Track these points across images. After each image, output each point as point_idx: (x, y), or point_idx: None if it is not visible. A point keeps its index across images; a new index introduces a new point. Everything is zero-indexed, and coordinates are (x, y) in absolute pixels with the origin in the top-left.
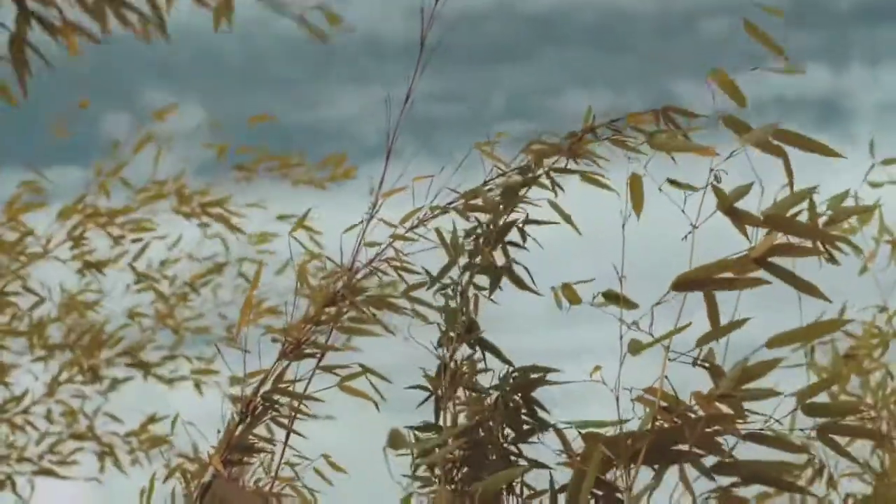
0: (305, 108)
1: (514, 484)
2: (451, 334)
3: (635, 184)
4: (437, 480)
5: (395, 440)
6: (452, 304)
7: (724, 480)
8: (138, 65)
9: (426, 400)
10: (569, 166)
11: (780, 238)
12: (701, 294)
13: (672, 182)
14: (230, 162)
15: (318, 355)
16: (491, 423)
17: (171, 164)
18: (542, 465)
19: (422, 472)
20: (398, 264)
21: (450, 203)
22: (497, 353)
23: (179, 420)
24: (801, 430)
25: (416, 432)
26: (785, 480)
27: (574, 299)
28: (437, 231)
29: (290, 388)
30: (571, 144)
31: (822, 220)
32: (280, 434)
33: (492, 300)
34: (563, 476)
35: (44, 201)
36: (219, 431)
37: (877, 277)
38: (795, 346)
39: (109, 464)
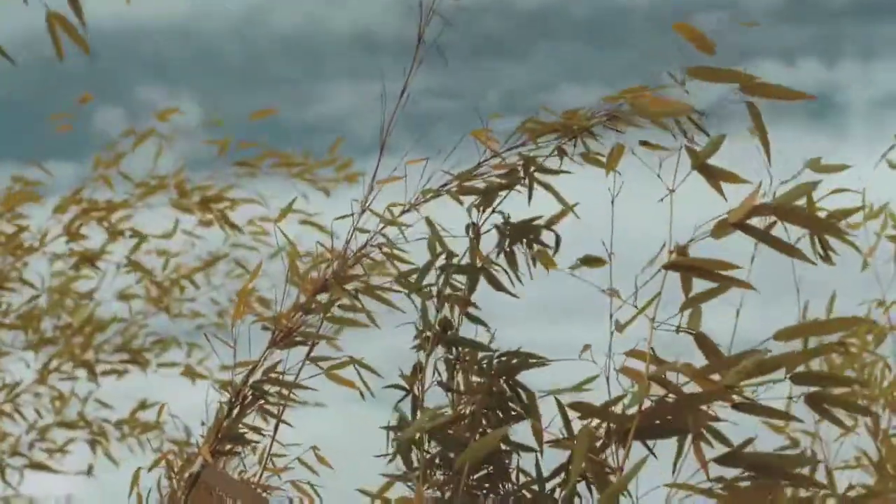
0: (300, 105)
1: (509, 471)
2: (427, 334)
3: (616, 154)
4: (416, 478)
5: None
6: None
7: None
8: (131, 61)
9: (402, 399)
10: (565, 146)
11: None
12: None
13: (644, 143)
14: (230, 158)
15: (309, 345)
16: (474, 411)
17: (168, 159)
18: (530, 449)
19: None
20: (389, 251)
21: (443, 186)
22: (479, 347)
23: (166, 410)
24: (790, 398)
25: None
26: (792, 472)
27: (549, 264)
28: (428, 220)
29: (280, 378)
30: (568, 122)
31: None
32: (269, 424)
33: (473, 302)
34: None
35: (40, 194)
36: (203, 423)
37: (877, 272)
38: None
39: (101, 454)
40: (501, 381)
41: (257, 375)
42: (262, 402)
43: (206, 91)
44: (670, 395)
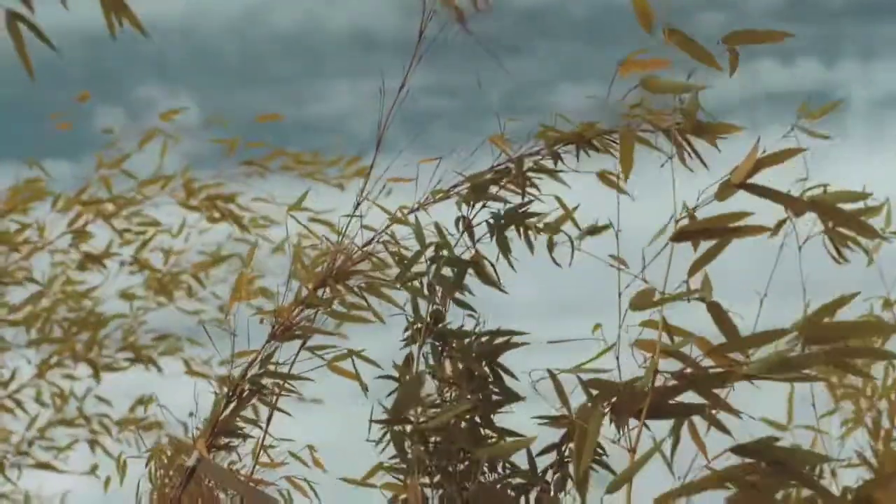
0: (300, 104)
1: (495, 462)
2: (418, 326)
3: (625, 138)
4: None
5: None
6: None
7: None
8: (129, 60)
9: (394, 391)
10: (579, 158)
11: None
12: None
13: (643, 115)
14: (237, 157)
15: (307, 338)
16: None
17: (172, 158)
18: (516, 434)
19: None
20: (395, 249)
21: (453, 187)
22: (466, 335)
23: (159, 405)
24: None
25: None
26: (804, 474)
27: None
28: (436, 225)
29: (276, 369)
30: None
31: None
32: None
33: (465, 286)
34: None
35: (44, 192)
36: (191, 414)
37: (880, 269)
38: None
39: (101, 453)
40: (483, 364)
41: (256, 369)
42: (260, 395)
43: (205, 90)
44: (687, 368)
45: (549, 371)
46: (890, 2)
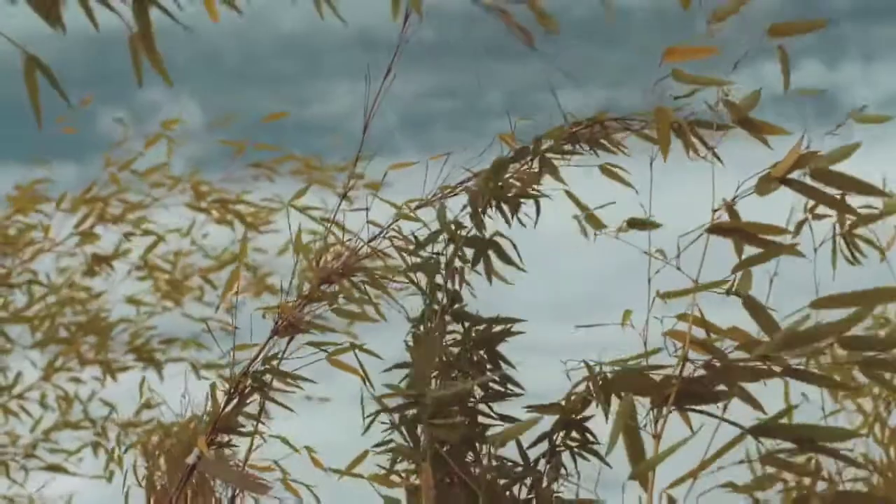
0: (300, 104)
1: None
2: (434, 307)
3: (661, 118)
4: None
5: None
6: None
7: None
8: (131, 62)
9: (406, 377)
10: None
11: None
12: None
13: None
14: (244, 159)
15: (309, 333)
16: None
17: (177, 161)
18: (514, 420)
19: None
20: (402, 244)
21: (461, 182)
22: (480, 320)
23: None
24: (845, 364)
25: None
26: (833, 449)
27: (598, 224)
28: (440, 210)
29: (279, 367)
30: (591, 129)
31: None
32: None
33: (476, 271)
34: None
35: (50, 194)
36: (184, 395)
37: (891, 266)
38: None
39: (103, 454)
40: (482, 352)
41: (258, 365)
42: (262, 392)
43: (207, 91)
44: (714, 360)
45: (585, 362)
46: (891, 3)
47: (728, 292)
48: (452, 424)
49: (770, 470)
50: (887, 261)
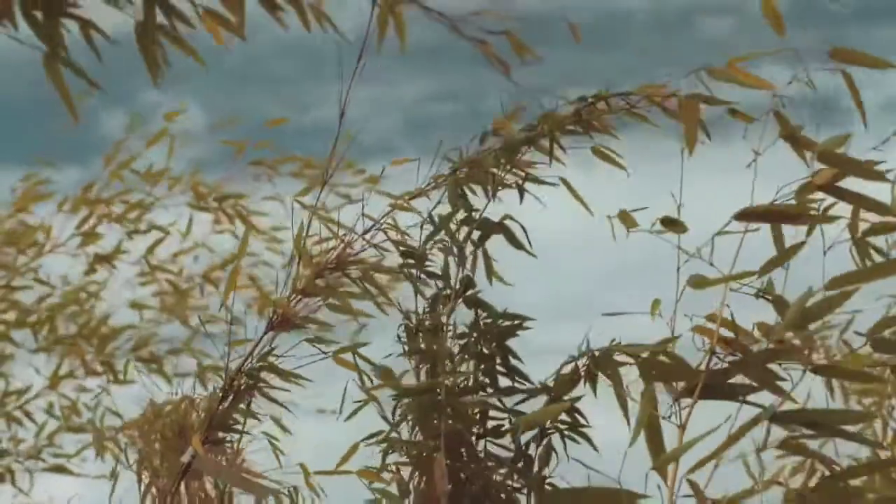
0: (300, 108)
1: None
2: (447, 292)
3: (689, 111)
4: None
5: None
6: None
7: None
8: (132, 64)
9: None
10: (579, 141)
11: None
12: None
13: (732, 112)
14: (245, 158)
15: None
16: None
17: (178, 163)
18: (519, 413)
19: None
20: (397, 236)
21: (453, 172)
22: (491, 312)
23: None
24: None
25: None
26: (850, 431)
27: (630, 223)
28: (450, 180)
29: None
30: (582, 111)
31: None
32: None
33: (485, 251)
34: None
35: (52, 192)
36: (177, 374)
37: None
38: None
39: (114, 463)
40: (493, 345)
41: (253, 361)
42: (258, 390)
43: (209, 93)
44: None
45: (611, 348)
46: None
47: (757, 295)
48: (480, 412)
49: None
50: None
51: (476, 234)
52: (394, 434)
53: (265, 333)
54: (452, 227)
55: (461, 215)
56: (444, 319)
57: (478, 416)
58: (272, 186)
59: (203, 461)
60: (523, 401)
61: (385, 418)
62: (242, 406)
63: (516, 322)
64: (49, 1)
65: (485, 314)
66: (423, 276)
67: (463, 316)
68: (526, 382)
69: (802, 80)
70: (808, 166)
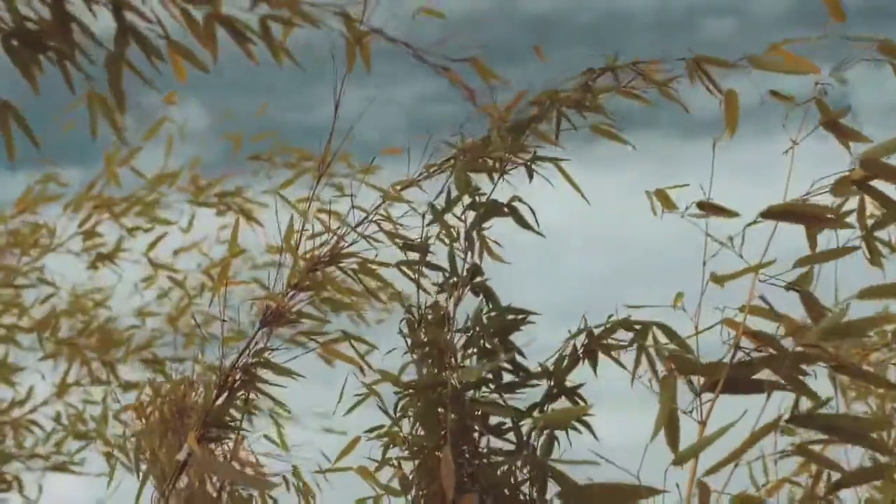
0: (303, 109)
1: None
2: (454, 279)
3: (731, 100)
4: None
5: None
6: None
7: None
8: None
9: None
10: (576, 123)
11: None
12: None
13: (774, 93)
14: (244, 151)
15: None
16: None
17: (179, 157)
18: (524, 413)
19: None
20: (391, 228)
21: (446, 160)
22: (496, 303)
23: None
24: None
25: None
26: (869, 437)
27: (669, 206)
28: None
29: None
30: (580, 93)
31: None
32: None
33: (495, 242)
34: None
35: (61, 194)
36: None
37: None
38: None
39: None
40: (496, 340)
41: (247, 357)
42: (254, 386)
43: (210, 95)
44: (765, 348)
45: (637, 342)
46: None
47: (788, 287)
48: (494, 403)
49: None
50: None
51: (480, 219)
52: (395, 428)
53: (259, 329)
54: (458, 211)
55: (467, 200)
56: (450, 310)
57: (480, 412)
58: (271, 181)
59: (199, 459)
60: (521, 385)
61: (386, 412)
62: (238, 402)
63: (521, 317)
64: (27, 38)
65: (488, 309)
66: (424, 268)
67: (464, 308)
68: (530, 378)
69: (844, 71)
70: (851, 155)
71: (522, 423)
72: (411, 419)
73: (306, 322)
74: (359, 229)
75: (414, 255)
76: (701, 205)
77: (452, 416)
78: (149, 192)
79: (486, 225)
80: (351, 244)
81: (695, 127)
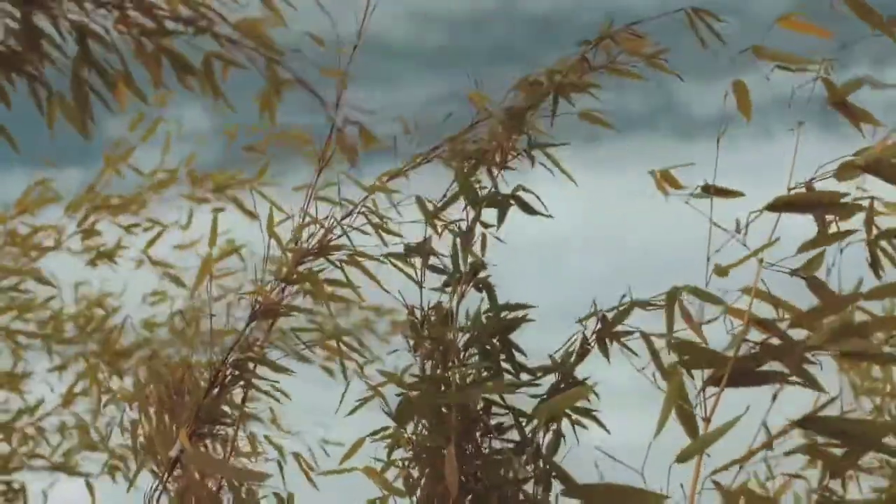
0: (304, 109)
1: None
2: (457, 275)
3: (740, 89)
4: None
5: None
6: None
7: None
8: (131, 66)
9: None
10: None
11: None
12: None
13: (781, 67)
14: (240, 142)
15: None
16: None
17: (179, 157)
18: (524, 414)
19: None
20: (378, 220)
21: (433, 150)
22: (493, 301)
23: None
24: None
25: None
26: (878, 441)
27: (675, 185)
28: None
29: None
30: (578, 66)
31: None
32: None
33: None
34: None
35: (61, 196)
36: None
37: None
38: None
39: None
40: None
41: (238, 353)
42: (245, 381)
43: (210, 98)
44: (772, 338)
45: (642, 332)
46: None
47: (793, 273)
48: (485, 407)
49: None
50: None
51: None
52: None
53: (249, 323)
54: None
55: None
56: (453, 308)
57: (482, 412)
58: (273, 168)
59: (191, 455)
60: (529, 383)
61: (390, 415)
62: (229, 397)
63: (520, 315)
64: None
65: (487, 307)
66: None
67: (465, 305)
68: (530, 377)
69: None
70: (863, 136)
71: (526, 423)
72: (415, 420)
73: (299, 315)
74: (346, 221)
75: (414, 256)
76: (706, 188)
77: (456, 415)
78: (146, 189)
79: (489, 222)
80: (340, 237)
81: (694, 129)
